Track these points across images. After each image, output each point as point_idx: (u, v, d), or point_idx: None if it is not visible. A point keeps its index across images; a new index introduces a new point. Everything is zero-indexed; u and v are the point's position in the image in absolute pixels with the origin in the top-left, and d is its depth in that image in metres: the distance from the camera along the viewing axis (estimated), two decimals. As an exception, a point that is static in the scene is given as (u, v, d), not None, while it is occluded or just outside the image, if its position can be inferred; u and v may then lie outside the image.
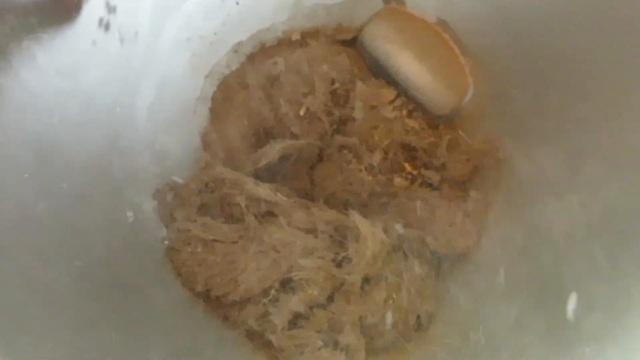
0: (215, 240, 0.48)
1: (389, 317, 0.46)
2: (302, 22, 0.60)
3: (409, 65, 0.57)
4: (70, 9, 0.36)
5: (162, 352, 0.43)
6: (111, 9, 0.42)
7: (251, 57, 0.60)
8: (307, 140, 0.55)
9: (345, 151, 0.58)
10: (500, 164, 0.56)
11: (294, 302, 0.44)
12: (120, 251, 0.46)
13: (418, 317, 0.48)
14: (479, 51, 0.56)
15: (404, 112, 0.58)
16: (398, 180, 0.58)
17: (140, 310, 0.44)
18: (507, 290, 0.50)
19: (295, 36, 0.60)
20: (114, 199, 0.45)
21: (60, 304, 0.37)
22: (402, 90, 0.58)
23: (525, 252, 0.51)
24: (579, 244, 0.45)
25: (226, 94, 0.59)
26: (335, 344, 0.44)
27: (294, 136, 0.56)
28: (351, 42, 0.60)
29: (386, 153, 0.58)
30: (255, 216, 0.49)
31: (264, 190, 0.50)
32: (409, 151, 0.58)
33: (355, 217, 0.46)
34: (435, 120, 0.58)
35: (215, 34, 0.57)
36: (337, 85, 0.59)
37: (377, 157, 0.57)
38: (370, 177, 0.57)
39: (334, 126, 0.58)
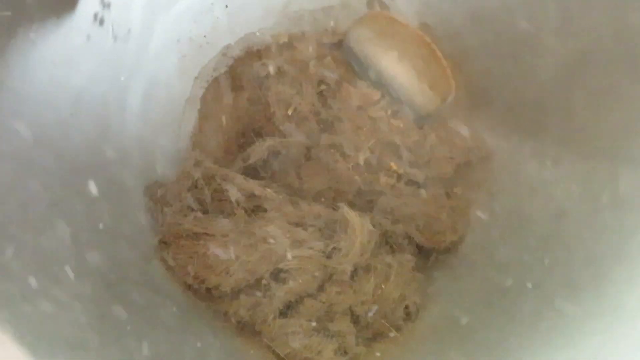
0: (206, 234, 0.48)
1: (376, 307, 0.46)
2: (288, 27, 0.62)
3: (393, 67, 0.59)
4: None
5: (153, 345, 0.43)
6: (105, 5, 0.43)
7: (239, 60, 0.61)
8: (295, 137, 0.56)
9: (332, 150, 0.59)
10: (483, 161, 0.58)
11: (285, 292, 0.45)
12: (110, 247, 0.46)
13: (406, 307, 0.49)
14: (460, 53, 0.58)
15: (389, 112, 0.60)
16: (384, 179, 0.60)
17: (129, 303, 0.44)
18: (492, 282, 0.51)
19: (283, 40, 0.62)
20: (103, 190, 0.46)
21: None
22: (386, 91, 0.60)
23: (509, 245, 0.52)
24: (561, 236, 0.47)
25: (215, 95, 0.61)
26: (326, 332, 0.45)
27: (282, 136, 0.58)
28: (337, 46, 0.62)
29: (372, 152, 0.59)
30: (246, 210, 0.50)
31: (253, 185, 0.51)
32: (394, 150, 0.60)
33: (344, 209, 0.48)
34: (419, 120, 0.60)
35: (204, 36, 0.59)
36: (323, 87, 0.61)
37: (363, 156, 0.59)
38: (356, 176, 0.58)
39: (321, 126, 0.59)
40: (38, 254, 0.36)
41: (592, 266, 0.42)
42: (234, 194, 0.50)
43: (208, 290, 0.46)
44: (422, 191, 0.58)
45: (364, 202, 0.58)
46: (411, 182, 0.60)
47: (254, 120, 0.59)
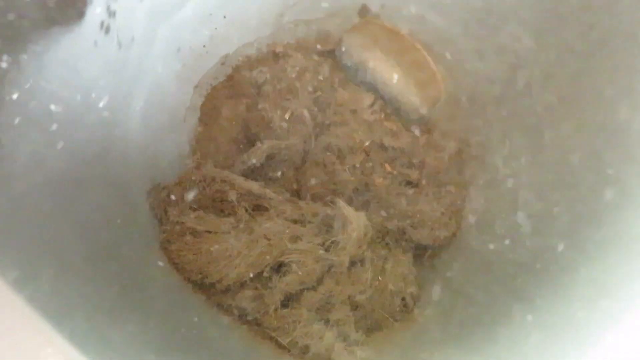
0: (208, 232, 0.50)
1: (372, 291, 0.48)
2: (284, 37, 0.65)
3: (385, 72, 0.62)
4: (80, 5, 0.39)
5: (159, 340, 0.44)
6: (111, 14, 0.45)
7: (238, 69, 0.64)
8: (292, 141, 0.58)
9: (328, 153, 0.61)
10: (474, 159, 0.60)
11: (286, 284, 0.46)
12: (115, 246, 0.47)
13: (403, 299, 0.50)
14: (448, 58, 0.61)
15: (382, 115, 0.63)
16: (379, 180, 0.62)
17: (136, 298, 0.45)
18: (485, 276, 0.53)
19: (279, 48, 0.64)
20: (108, 191, 0.47)
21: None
22: (379, 95, 0.62)
23: (500, 240, 0.54)
24: (547, 234, 0.49)
25: (214, 104, 0.63)
26: (326, 321, 0.46)
27: (280, 140, 0.60)
28: (331, 53, 0.65)
29: (367, 154, 0.61)
30: (246, 209, 0.52)
31: (253, 185, 0.53)
32: (388, 152, 0.62)
33: (341, 204, 0.49)
34: (411, 122, 0.63)
35: (204, 46, 0.61)
36: (319, 92, 0.63)
37: (358, 158, 0.61)
38: (352, 178, 0.60)
39: (318, 129, 0.61)
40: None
41: (590, 264, 0.44)
42: (234, 194, 0.52)
43: (211, 284, 0.48)
44: (416, 190, 0.60)
45: (360, 202, 0.60)
46: (405, 182, 0.62)
47: (252, 126, 0.61)
